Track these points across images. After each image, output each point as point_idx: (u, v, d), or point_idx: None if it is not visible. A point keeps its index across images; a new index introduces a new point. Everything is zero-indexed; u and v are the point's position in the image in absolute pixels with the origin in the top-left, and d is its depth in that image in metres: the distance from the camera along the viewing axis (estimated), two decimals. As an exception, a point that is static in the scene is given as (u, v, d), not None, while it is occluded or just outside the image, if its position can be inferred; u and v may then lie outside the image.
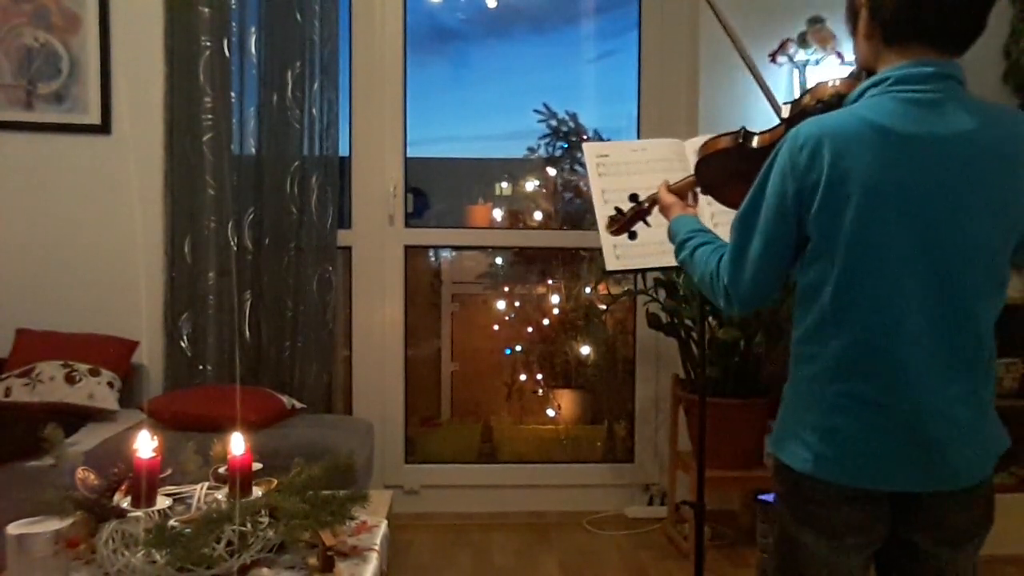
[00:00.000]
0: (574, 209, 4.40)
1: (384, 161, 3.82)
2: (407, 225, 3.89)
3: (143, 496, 1.79)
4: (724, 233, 1.66)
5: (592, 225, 2.65)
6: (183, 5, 3.51)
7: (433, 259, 4.60)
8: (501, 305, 4.55)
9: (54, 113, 3.58)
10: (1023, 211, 1.43)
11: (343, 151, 3.75)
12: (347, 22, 3.74)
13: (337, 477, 2.07)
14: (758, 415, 3.42)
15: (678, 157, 2.55)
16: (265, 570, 1.81)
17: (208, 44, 3.52)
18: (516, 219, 4.39)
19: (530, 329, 4.53)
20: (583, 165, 3.66)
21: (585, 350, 4.45)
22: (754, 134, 1.69)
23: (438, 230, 4.25)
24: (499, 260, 4.61)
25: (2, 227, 3.58)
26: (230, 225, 3.59)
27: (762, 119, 3.69)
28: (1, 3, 3.53)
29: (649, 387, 3.96)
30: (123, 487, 1.89)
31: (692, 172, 1.85)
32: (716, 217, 2.45)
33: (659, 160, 2.52)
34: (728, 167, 1.73)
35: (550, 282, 4.53)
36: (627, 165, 2.51)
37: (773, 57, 3.52)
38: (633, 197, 2.02)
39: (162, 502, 1.84)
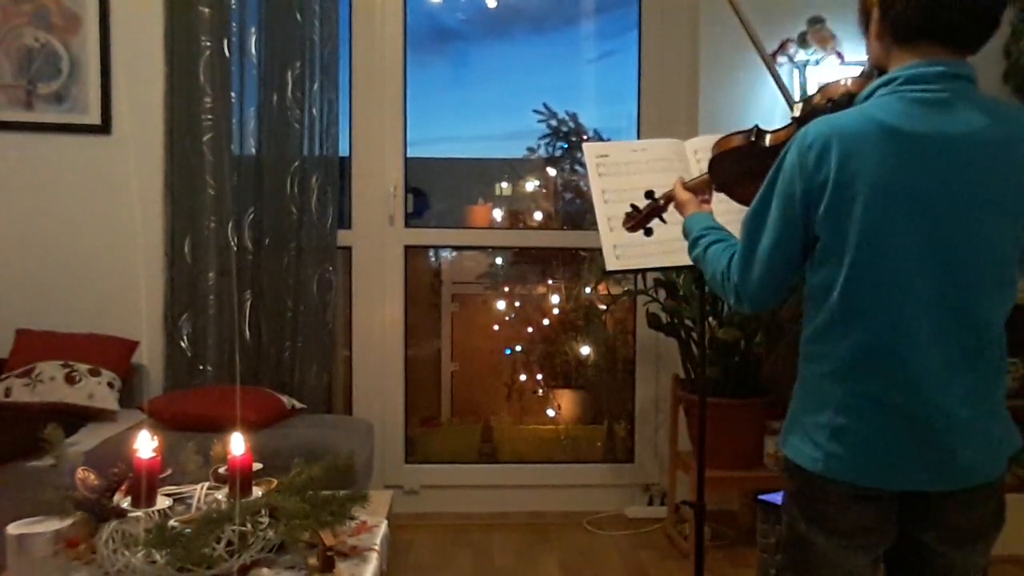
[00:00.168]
0: (574, 209, 4.40)
1: (384, 161, 3.82)
2: (407, 225, 3.89)
3: (143, 496, 1.79)
4: (734, 231, 1.67)
5: (592, 225, 2.65)
6: (183, 5, 3.52)
7: (433, 259, 4.60)
8: (501, 305, 4.55)
9: (54, 113, 3.58)
10: None
11: (343, 151, 3.75)
12: (347, 22, 3.74)
13: (337, 477, 2.07)
14: (758, 415, 3.42)
15: (678, 157, 2.55)
16: (265, 570, 1.81)
17: (208, 44, 3.52)
18: (516, 219, 4.39)
19: (530, 329, 4.53)
20: (583, 165, 3.67)
21: (585, 350, 4.44)
22: (767, 132, 1.70)
23: (438, 230, 4.25)
24: (499, 260, 4.61)
25: (2, 227, 3.58)
26: (230, 225, 3.59)
27: (762, 119, 3.69)
28: (1, 3, 3.53)
29: (649, 387, 3.96)
30: (123, 487, 1.89)
31: (705, 170, 1.85)
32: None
33: (659, 160, 2.52)
34: (741, 165, 1.73)
35: (550, 282, 4.53)
36: (627, 165, 2.51)
37: (773, 56, 3.52)
38: (649, 194, 2.03)
39: (162, 502, 1.84)
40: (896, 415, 1.41)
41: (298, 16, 3.57)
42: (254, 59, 3.62)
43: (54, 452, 2.23)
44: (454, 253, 4.66)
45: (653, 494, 3.94)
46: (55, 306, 3.55)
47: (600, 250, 2.47)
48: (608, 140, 4.23)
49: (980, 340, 1.42)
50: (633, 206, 2.06)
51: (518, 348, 4.53)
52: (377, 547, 2.04)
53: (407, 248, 3.91)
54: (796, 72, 3.56)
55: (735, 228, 1.72)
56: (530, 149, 4.34)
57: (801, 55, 3.53)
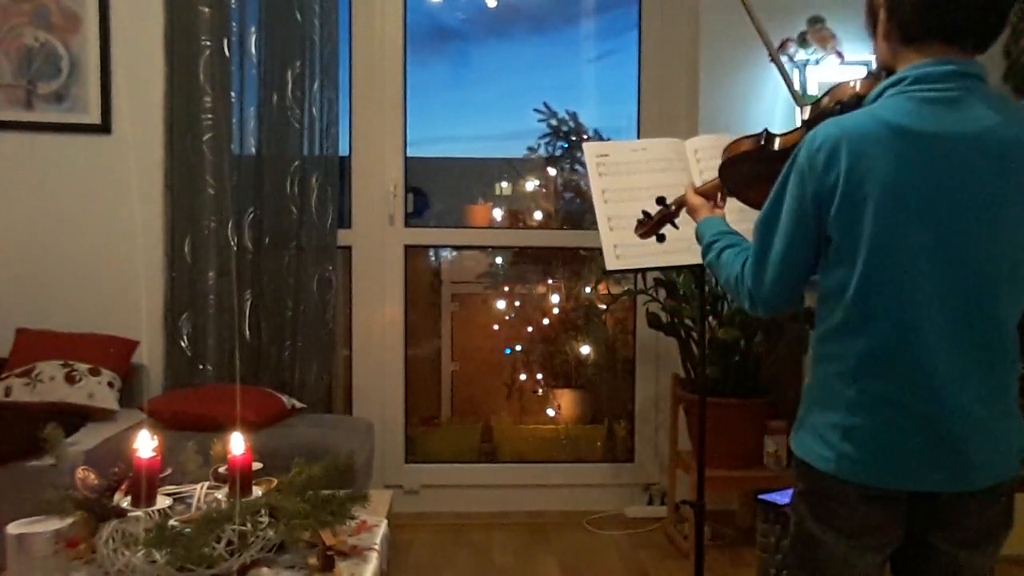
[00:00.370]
0: (574, 209, 4.40)
1: (384, 161, 3.82)
2: (407, 225, 3.89)
3: (143, 496, 1.80)
4: (746, 234, 1.67)
5: (592, 225, 2.65)
6: (183, 5, 3.51)
7: (433, 259, 4.60)
8: (501, 305, 4.55)
9: (54, 113, 3.58)
10: None
11: (343, 151, 3.75)
12: (347, 22, 3.74)
13: (337, 477, 2.07)
14: (758, 415, 3.42)
15: (678, 157, 2.55)
16: (265, 570, 1.81)
17: (208, 44, 3.52)
18: (516, 219, 4.39)
19: (530, 329, 4.53)
20: (583, 165, 3.66)
21: (585, 350, 4.44)
22: (776, 136, 1.69)
23: (438, 230, 4.26)
24: (499, 260, 4.61)
25: (2, 227, 3.58)
26: (230, 225, 3.59)
27: (763, 119, 3.73)
28: (1, 3, 3.53)
29: (649, 387, 3.96)
30: (123, 487, 1.89)
31: (714, 175, 1.84)
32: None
33: (659, 160, 2.52)
34: (752, 169, 1.73)
35: (550, 282, 4.53)
36: (627, 165, 2.51)
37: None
38: (661, 200, 2.03)
39: (162, 502, 1.84)
40: (910, 415, 1.41)
41: (298, 16, 3.57)
42: (254, 59, 3.62)
43: (54, 452, 2.23)
44: (454, 253, 4.66)
45: (653, 494, 3.94)
46: (55, 306, 3.55)
47: (600, 249, 2.47)
48: (608, 140, 4.23)
49: (994, 339, 1.42)
50: (645, 212, 2.05)
51: (518, 348, 4.53)
52: (377, 547, 2.04)
53: (407, 248, 3.91)
54: (796, 72, 3.56)
55: (745, 230, 1.73)
56: (530, 149, 4.34)
57: (801, 55, 3.53)
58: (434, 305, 4.58)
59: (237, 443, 1.89)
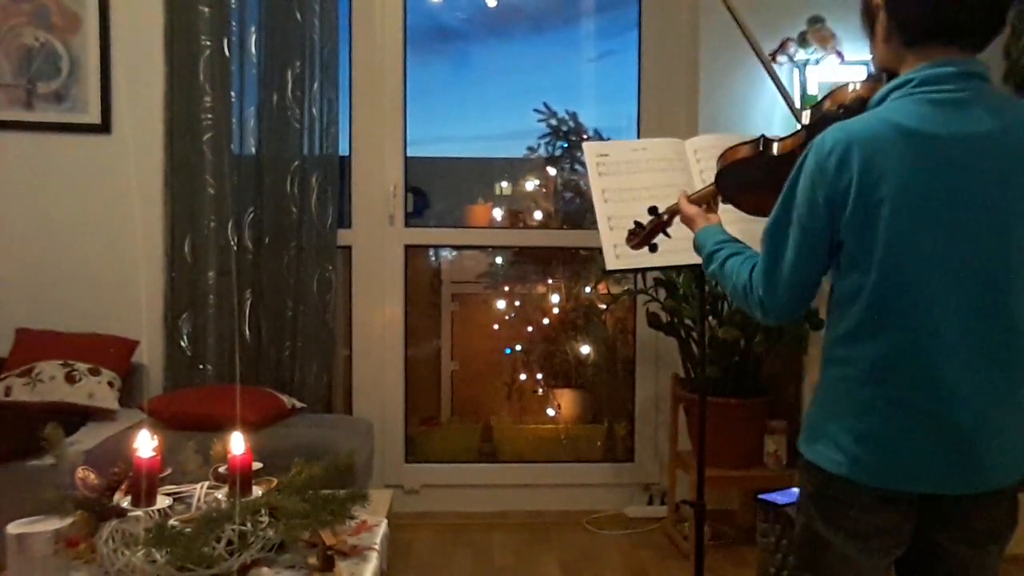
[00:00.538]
0: (574, 209, 4.40)
1: (384, 161, 3.82)
2: (407, 225, 3.89)
3: (143, 495, 1.80)
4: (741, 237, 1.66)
5: (592, 224, 2.65)
6: (183, 5, 3.51)
7: (433, 259, 4.60)
8: (501, 305, 4.55)
9: (54, 113, 3.58)
10: None
11: (343, 151, 3.75)
12: (347, 22, 3.74)
13: (337, 477, 2.07)
14: (758, 414, 3.43)
15: (678, 157, 2.55)
16: (265, 569, 1.81)
17: (208, 44, 3.52)
18: (516, 219, 4.39)
19: (530, 329, 4.53)
20: (583, 164, 3.66)
21: (585, 350, 4.45)
22: (774, 141, 1.68)
23: (438, 230, 4.26)
24: (499, 260, 4.61)
25: (2, 227, 3.58)
26: (230, 225, 3.59)
27: (762, 119, 3.73)
28: (1, 3, 3.53)
29: (649, 387, 3.96)
30: (123, 487, 1.89)
31: (712, 181, 1.83)
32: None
33: (659, 160, 2.52)
34: (748, 175, 1.72)
35: (550, 282, 4.53)
36: (627, 164, 2.51)
37: (773, 56, 3.52)
38: (652, 210, 2.00)
39: (162, 501, 1.84)
40: (924, 418, 1.41)
41: (298, 16, 3.57)
42: (254, 59, 3.62)
43: (54, 451, 2.23)
44: (454, 253, 4.66)
45: (653, 493, 3.94)
46: (55, 306, 3.55)
47: (600, 249, 2.46)
48: (608, 140, 4.23)
49: (1009, 342, 1.42)
50: (637, 223, 2.04)
51: (518, 348, 4.53)
52: (377, 546, 2.04)
53: (407, 247, 3.91)
54: (796, 71, 3.56)
55: (741, 234, 1.72)
56: (530, 149, 4.34)
57: (801, 54, 3.53)
58: (434, 305, 4.58)
59: (237, 443, 1.89)
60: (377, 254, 3.85)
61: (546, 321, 4.52)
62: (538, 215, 4.39)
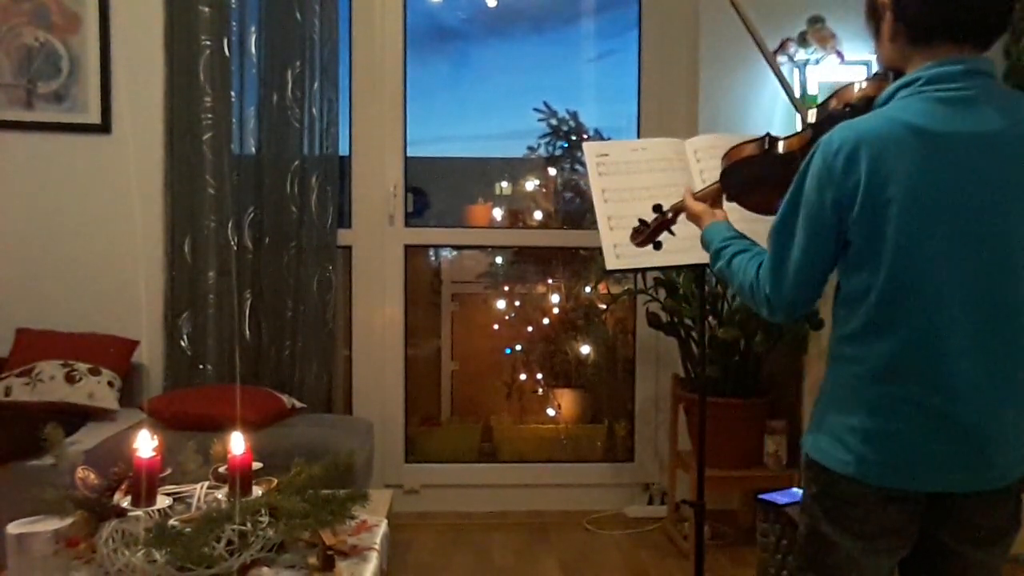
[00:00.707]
0: (574, 209, 4.40)
1: (384, 161, 3.82)
2: (407, 224, 3.89)
3: (143, 495, 1.79)
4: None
5: (592, 224, 2.65)
6: (183, 5, 3.51)
7: (433, 259, 4.60)
8: (501, 305, 4.55)
9: (54, 113, 3.58)
10: None
11: (343, 151, 3.75)
12: (347, 22, 3.74)
13: (337, 477, 2.07)
14: (758, 414, 3.43)
15: (678, 156, 2.54)
16: (265, 569, 1.81)
17: (208, 44, 3.52)
18: (516, 219, 4.39)
19: (530, 329, 4.53)
20: (583, 164, 3.66)
21: (585, 350, 4.44)
22: (779, 139, 1.68)
23: (438, 229, 4.26)
24: (499, 260, 4.61)
25: (2, 227, 3.58)
26: (230, 225, 3.59)
27: (762, 119, 3.73)
28: (1, 3, 3.53)
29: (649, 386, 3.96)
30: (123, 486, 1.89)
31: (716, 179, 1.82)
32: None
33: (659, 159, 2.52)
34: (753, 174, 1.71)
35: (550, 282, 4.53)
36: (627, 164, 2.51)
37: (773, 56, 3.52)
38: (657, 207, 1.99)
39: (162, 501, 1.84)
40: (932, 416, 1.41)
41: (298, 16, 3.57)
42: (254, 59, 3.62)
43: (54, 451, 2.23)
44: (454, 252, 4.66)
45: (653, 493, 3.94)
46: (55, 306, 3.55)
47: (600, 249, 2.46)
48: (608, 139, 4.23)
49: (1017, 340, 1.42)
50: (641, 220, 2.03)
51: (518, 347, 4.53)
52: (377, 546, 2.04)
53: (407, 247, 3.91)
54: (796, 71, 3.56)
55: (747, 231, 1.72)
56: (530, 148, 4.34)
57: (801, 54, 3.53)
58: (434, 305, 4.58)
59: (237, 443, 1.89)
60: (377, 254, 3.85)
61: (546, 321, 4.52)
62: (538, 215, 4.39)
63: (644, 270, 3.26)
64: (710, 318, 3.30)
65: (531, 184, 4.43)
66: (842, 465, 1.46)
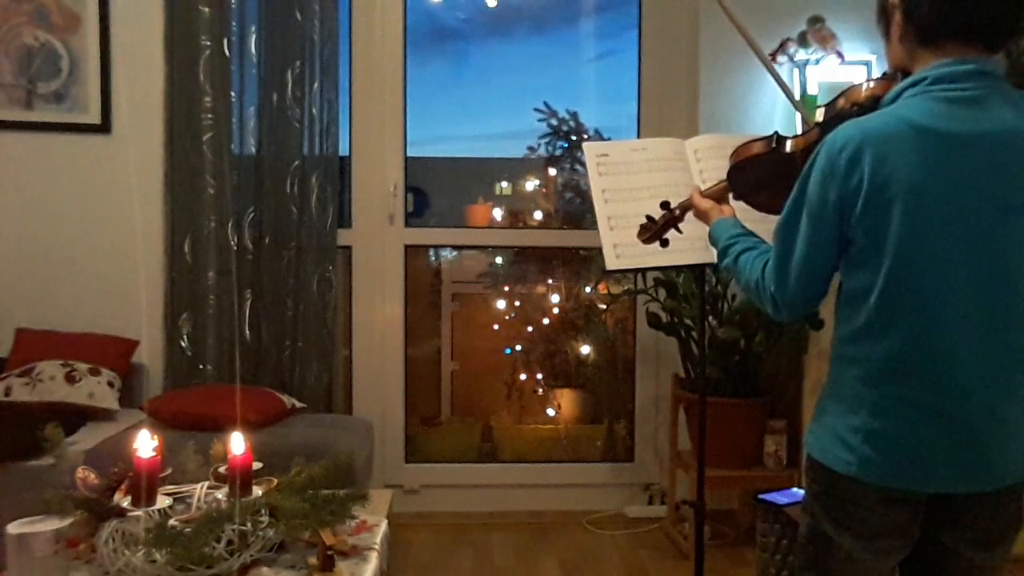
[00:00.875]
0: (574, 209, 4.40)
1: (384, 161, 3.82)
2: (407, 224, 3.89)
3: (143, 495, 1.79)
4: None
5: (592, 224, 2.65)
6: (183, 5, 3.51)
7: (433, 258, 4.60)
8: (501, 304, 4.55)
9: (54, 113, 3.58)
10: None
11: (343, 151, 3.75)
12: (347, 22, 3.74)
13: (337, 476, 2.07)
14: (758, 414, 3.43)
15: (678, 156, 2.54)
16: (265, 569, 1.81)
17: (208, 44, 3.52)
18: (516, 219, 4.39)
19: (530, 328, 4.53)
20: (583, 164, 3.66)
21: (585, 349, 4.45)
22: (787, 138, 1.68)
23: (438, 230, 4.26)
24: (499, 260, 4.61)
25: (2, 227, 3.58)
26: (230, 225, 3.59)
27: (762, 119, 3.73)
28: (1, 3, 3.53)
29: (649, 387, 3.96)
30: (123, 486, 1.89)
31: (723, 178, 1.82)
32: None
33: (659, 159, 2.52)
34: (761, 172, 1.71)
35: (550, 282, 4.53)
36: (627, 164, 2.51)
37: (773, 56, 3.52)
38: (664, 204, 2.00)
39: (162, 501, 1.84)
40: (935, 417, 1.40)
41: (298, 16, 3.57)
42: (254, 59, 3.62)
43: (54, 451, 2.23)
44: (454, 252, 4.66)
45: (653, 493, 3.94)
46: (55, 306, 3.55)
47: (600, 249, 2.46)
48: (608, 139, 4.23)
49: (1020, 340, 1.42)
50: (649, 217, 2.03)
51: (518, 347, 4.53)
52: (377, 546, 2.04)
53: (407, 247, 3.91)
54: (796, 71, 3.56)
55: (757, 228, 1.72)
56: (530, 148, 4.34)
57: (801, 54, 3.53)
58: (434, 305, 4.58)
59: (237, 443, 1.89)
60: (377, 254, 3.85)
61: (546, 321, 4.52)
62: (538, 215, 4.39)
63: (644, 270, 3.26)
64: (710, 318, 3.30)
65: (531, 184, 4.44)
66: (844, 465, 1.45)
